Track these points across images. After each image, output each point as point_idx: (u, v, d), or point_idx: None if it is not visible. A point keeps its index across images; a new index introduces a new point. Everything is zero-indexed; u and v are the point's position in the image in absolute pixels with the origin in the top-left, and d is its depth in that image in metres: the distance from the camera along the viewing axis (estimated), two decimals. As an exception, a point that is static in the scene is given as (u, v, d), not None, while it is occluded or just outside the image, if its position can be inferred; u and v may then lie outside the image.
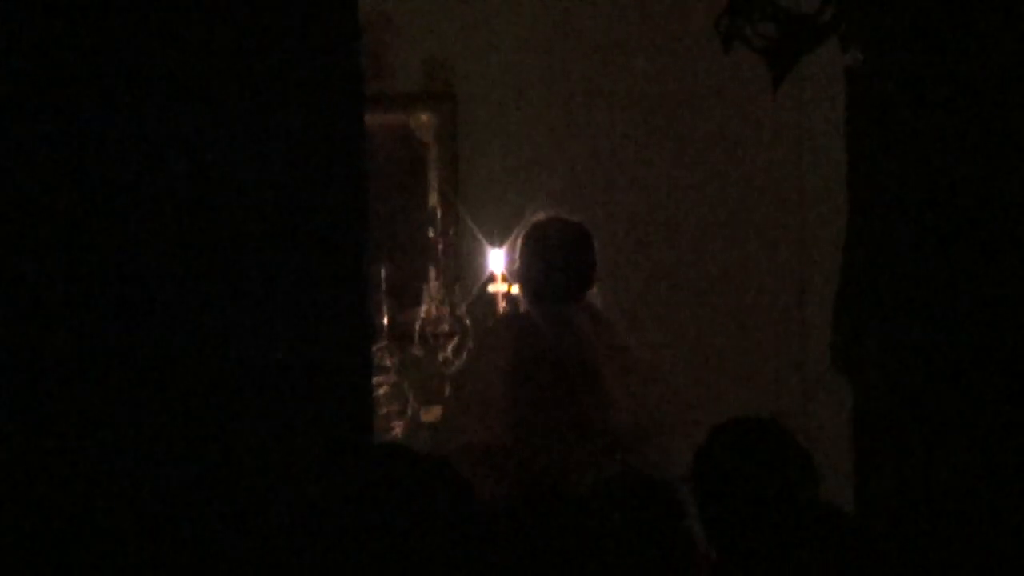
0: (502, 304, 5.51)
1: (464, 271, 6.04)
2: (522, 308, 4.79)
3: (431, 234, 6.12)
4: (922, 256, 3.54)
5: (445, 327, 5.77)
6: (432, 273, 5.90)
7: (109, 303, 2.76)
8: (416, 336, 5.77)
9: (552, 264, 4.63)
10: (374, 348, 5.54)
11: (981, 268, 3.50)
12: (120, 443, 2.76)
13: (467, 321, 5.74)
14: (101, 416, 2.74)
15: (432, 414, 5.49)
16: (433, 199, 6.26)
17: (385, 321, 5.76)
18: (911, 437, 3.55)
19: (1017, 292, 3.50)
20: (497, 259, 5.58)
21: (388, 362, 5.69)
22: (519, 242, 4.74)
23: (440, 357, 5.74)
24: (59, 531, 2.71)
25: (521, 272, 4.73)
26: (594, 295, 4.71)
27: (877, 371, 3.59)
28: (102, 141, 2.74)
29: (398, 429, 5.62)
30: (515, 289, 5.14)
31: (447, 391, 5.35)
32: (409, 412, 5.67)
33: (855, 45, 3.63)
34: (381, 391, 5.60)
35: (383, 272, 5.75)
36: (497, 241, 5.59)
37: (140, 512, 2.76)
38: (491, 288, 5.63)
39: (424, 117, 6.33)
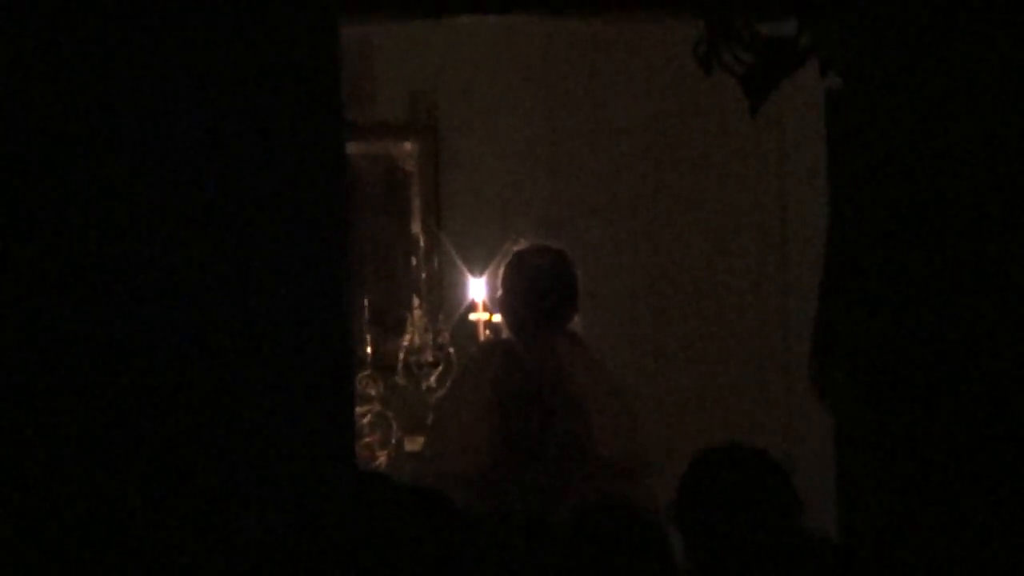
0: (484, 332, 5.50)
1: (447, 300, 6.03)
2: (504, 336, 4.78)
3: (414, 263, 6.11)
4: (902, 279, 3.54)
5: (429, 356, 5.75)
6: (416, 302, 5.88)
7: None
8: (400, 365, 5.75)
9: (534, 292, 4.62)
10: (358, 377, 5.53)
11: (962, 287, 3.50)
12: (97, 474, 2.74)
13: (451, 350, 5.73)
14: (72, 438, 2.72)
15: (416, 443, 5.47)
16: (416, 228, 6.25)
17: (369, 350, 5.75)
18: (893, 461, 3.54)
19: (999, 310, 3.49)
20: (478, 288, 5.57)
21: (372, 391, 5.68)
22: (501, 270, 4.73)
23: (424, 386, 5.73)
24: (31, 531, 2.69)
25: (504, 300, 4.72)
26: (576, 323, 4.70)
27: (856, 394, 3.59)
28: (72, 155, 2.72)
29: (382, 458, 5.60)
30: (497, 317, 5.12)
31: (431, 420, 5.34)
32: (393, 441, 5.65)
33: (834, 69, 3.63)
34: (365, 420, 5.59)
35: (366, 301, 5.74)
36: (478, 270, 5.59)
37: (117, 540, 2.74)
38: (472, 316, 5.62)
39: (407, 146, 6.33)
